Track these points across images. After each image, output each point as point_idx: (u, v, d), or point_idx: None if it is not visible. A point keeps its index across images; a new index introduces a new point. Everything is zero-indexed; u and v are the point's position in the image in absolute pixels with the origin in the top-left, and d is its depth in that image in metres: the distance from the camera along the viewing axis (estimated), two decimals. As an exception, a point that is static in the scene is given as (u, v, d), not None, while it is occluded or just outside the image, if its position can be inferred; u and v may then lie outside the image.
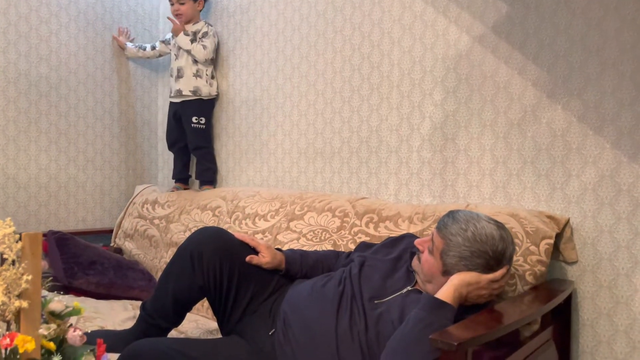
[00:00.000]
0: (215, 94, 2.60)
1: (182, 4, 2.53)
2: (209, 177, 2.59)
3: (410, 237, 1.50)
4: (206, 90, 2.55)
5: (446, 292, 1.18)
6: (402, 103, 1.95)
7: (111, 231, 2.70)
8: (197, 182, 2.66)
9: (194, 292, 1.48)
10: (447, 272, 1.25)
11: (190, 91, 2.53)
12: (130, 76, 2.88)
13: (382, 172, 2.01)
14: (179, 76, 2.55)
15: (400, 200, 1.95)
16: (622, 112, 1.47)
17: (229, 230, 1.60)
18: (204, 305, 2.00)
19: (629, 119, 1.46)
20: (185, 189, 2.67)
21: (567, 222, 1.52)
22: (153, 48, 2.77)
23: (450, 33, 1.82)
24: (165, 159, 3.00)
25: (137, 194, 2.71)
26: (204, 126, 2.55)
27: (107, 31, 2.77)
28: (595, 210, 1.52)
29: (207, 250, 1.46)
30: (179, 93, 2.55)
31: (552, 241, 1.44)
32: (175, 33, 2.54)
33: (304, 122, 2.29)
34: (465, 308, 1.23)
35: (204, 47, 2.52)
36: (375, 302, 1.33)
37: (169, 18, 2.58)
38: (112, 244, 2.64)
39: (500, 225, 1.27)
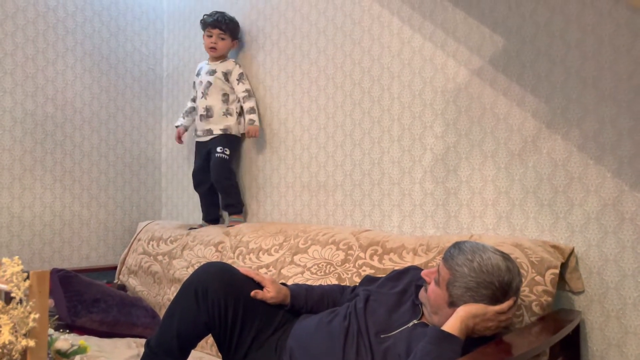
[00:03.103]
0: (244, 131, 2.52)
1: (223, 39, 2.50)
2: (233, 210, 2.48)
3: (415, 270, 1.50)
4: (236, 129, 2.50)
5: (453, 325, 1.17)
6: (403, 136, 1.98)
7: (115, 268, 2.70)
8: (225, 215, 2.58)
9: (199, 329, 1.47)
10: (453, 304, 1.24)
11: (220, 129, 2.47)
12: (135, 113, 2.93)
13: (385, 204, 2.02)
14: (209, 116, 2.48)
15: (404, 232, 1.96)
16: (622, 141, 1.49)
17: (233, 265, 1.60)
18: (207, 342, 1.98)
19: (629, 148, 1.47)
20: None
21: (572, 251, 1.52)
22: (193, 100, 2.65)
23: (448, 67, 1.86)
24: (169, 195, 3.02)
25: (141, 230, 2.72)
26: (227, 157, 2.46)
27: (112, 70, 2.83)
28: (599, 239, 1.52)
29: (212, 286, 1.46)
30: (208, 132, 2.49)
31: (557, 271, 1.44)
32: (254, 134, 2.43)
33: (306, 156, 2.31)
34: (473, 340, 1.22)
35: (247, 92, 2.49)
36: (382, 336, 1.32)
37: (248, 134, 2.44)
38: (115, 281, 2.64)
39: (506, 257, 1.26)
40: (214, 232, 2.36)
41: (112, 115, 2.82)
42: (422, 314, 1.35)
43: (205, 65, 2.56)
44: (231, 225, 2.38)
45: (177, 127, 2.71)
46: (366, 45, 2.11)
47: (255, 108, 2.47)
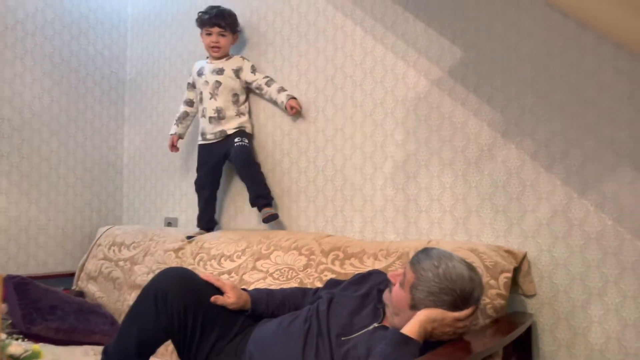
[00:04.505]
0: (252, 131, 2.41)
1: (224, 35, 2.35)
2: (264, 201, 2.21)
3: (377, 273, 1.53)
4: (249, 128, 2.37)
5: (412, 328, 1.20)
6: (365, 143, 2.01)
7: (73, 274, 2.63)
8: (253, 210, 2.33)
9: (159, 334, 1.45)
10: (414, 307, 1.27)
11: (234, 128, 2.31)
12: (96, 117, 2.88)
13: (347, 209, 2.05)
14: (220, 117, 2.31)
15: (365, 237, 1.99)
16: (570, 151, 1.56)
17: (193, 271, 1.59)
18: (167, 349, 1.96)
19: (577, 158, 1.55)
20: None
21: (525, 256, 1.58)
22: (188, 103, 2.48)
23: (409, 77, 1.91)
24: (131, 201, 2.97)
25: (101, 236, 2.67)
26: (248, 144, 2.27)
27: (73, 73, 2.78)
28: (550, 244, 1.58)
29: (172, 290, 1.44)
30: (221, 134, 2.31)
31: (510, 275, 1.49)
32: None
33: (270, 162, 2.32)
34: (431, 344, 1.25)
35: (267, 77, 2.34)
36: (343, 338, 1.34)
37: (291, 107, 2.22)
38: (73, 287, 2.57)
39: (471, 267, 1.30)
40: (173, 237, 2.34)
41: (72, 118, 2.77)
42: (383, 317, 1.38)
43: (206, 64, 2.39)
44: (267, 220, 2.16)
45: (171, 134, 2.51)
46: (330, 54, 2.15)
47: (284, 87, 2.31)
